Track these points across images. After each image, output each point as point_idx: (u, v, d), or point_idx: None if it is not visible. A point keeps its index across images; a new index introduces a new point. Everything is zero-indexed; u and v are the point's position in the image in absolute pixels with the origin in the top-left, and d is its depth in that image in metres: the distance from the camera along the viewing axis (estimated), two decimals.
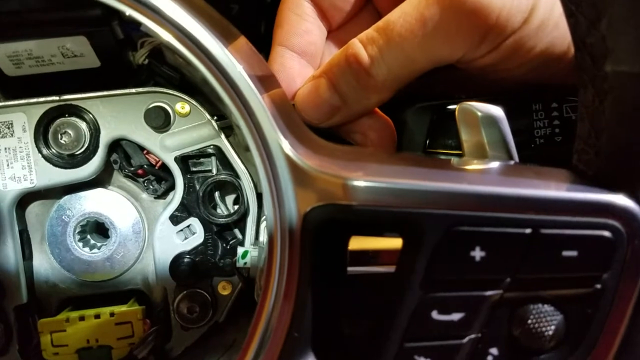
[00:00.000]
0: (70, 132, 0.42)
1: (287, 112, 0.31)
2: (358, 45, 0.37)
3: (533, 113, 0.44)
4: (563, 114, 0.43)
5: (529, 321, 0.27)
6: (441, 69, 0.40)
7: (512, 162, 0.33)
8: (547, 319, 0.27)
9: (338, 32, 0.43)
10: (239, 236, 0.43)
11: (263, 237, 0.42)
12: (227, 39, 0.29)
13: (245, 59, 0.29)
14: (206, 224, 0.42)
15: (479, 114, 0.34)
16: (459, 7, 0.34)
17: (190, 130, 0.41)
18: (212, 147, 0.42)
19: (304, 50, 0.40)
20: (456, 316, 0.27)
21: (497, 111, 0.34)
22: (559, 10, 0.35)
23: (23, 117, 0.42)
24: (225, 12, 0.58)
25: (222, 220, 0.42)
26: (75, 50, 0.40)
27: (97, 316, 0.42)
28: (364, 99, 0.38)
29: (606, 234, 0.26)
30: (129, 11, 0.29)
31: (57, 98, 0.41)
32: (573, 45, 0.30)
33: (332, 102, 0.38)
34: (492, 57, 0.36)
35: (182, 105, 0.41)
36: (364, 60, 0.36)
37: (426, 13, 0.34)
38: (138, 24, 0.29)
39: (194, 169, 0.43)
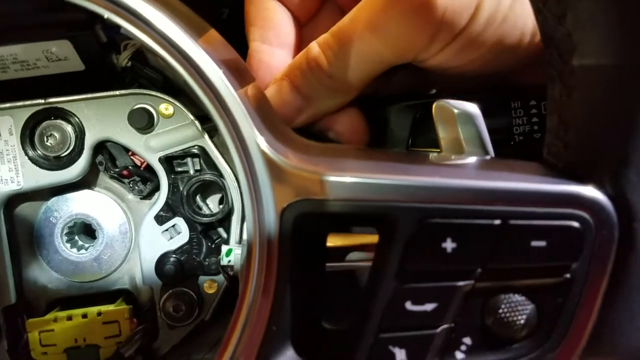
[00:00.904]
0: (56, 134, 0.42)
1: (263, 108, 0.32)
2: (317, 49, 0.38)
3: (512, 111, 0.44)
4: (541, 111, 0.44)
5: (501, 311, 0.28)
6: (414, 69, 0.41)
7: (487, 157, 0.34)
8: (519, 308, 0.28)
9: (307, 27, 0.44)
10: (224, 235, 0.44)
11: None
12: (200, 36, 0.30)
13: (220, 56, 0.30)
14: (191, 224, 0.43)
15: (455, 111, 0.34)
16: (405, 11, 0.34)
17: (174, 131, 0.42)
18: (196, 147, 0.42)
19: (280, 42, 0.41)
20: (429, 306, 0.28)
21: (472, 108, 0.35)
22: (507, 2, 0.35)
23: (10, 120, 0.42)
24: (216, 16, 0.59)
25: (206, 220, 0.42)
26: (59, 54, 0.40)
27: (85, 316, 0.43)
28: (327, 99, 0.39)
29: (574, 224, 0.27)
30: (106, 13, 0.29)
31: (42, 101, 0.42)
32: (542, 42, 0.30)
33: (295, 103, 0.39)
34: (445, 54, 0.36)
35: (166, 107, 0.42)
36: (323, 64, 0.37)
37: (374, 18, 0.35)
38: (119, 27, 0.30)
39: (179, 169, 0.43)
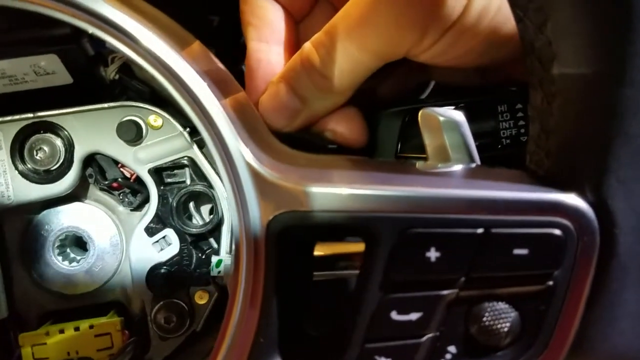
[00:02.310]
0: (45, 148, 0.43)
1: (248, 118, 0.32)
2: (310, 49, 0.38)
3: (499, 115, 0.44)
4: (527, 114, 0.44)
5: (484, 319, 0.28)
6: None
7: (473, 165, 0.34)
8: (502, 316, 0.28)
9: (303, 25, 0.44)
10: (215, 245, 0.44)
11: None
12: (184, 48, 0.30)
13: (204, 67, 0.30)
14: (181, 235, 0.43)
15: (441, 118, 0.35)
16: (395, 4, 0.34)
17: (162, 142, 0.42)
18: (185, 158, 0.43)
19: (277, 39, 0.41)
20: (414, 316, 0.28)
21: (458, 115, 0.35)
22: None
23: None
24: (206, 25, 0.59)
25: (195, 231, 0.43)
26: (47, 68, 0.41)
27: (77, 328, 0.43)
28: (323, 100, 0.39)
29: (556, 232, 0.27)
30: (90, 29, 0.29)
31: (31, 115, 0.42)
32: (523, 50, 0.31)
33: (293, 105, 0.39)
34: (438, 48, 0.36)
35: (155, 118, 0.42)
36: (316, 63, 0.37)
37: (365, 13, 0.35)
38: (104, 41, 0.30)
39: (168, 181, 0.43)
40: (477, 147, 0.36)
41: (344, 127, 0.41)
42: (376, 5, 0.35)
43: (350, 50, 0.36)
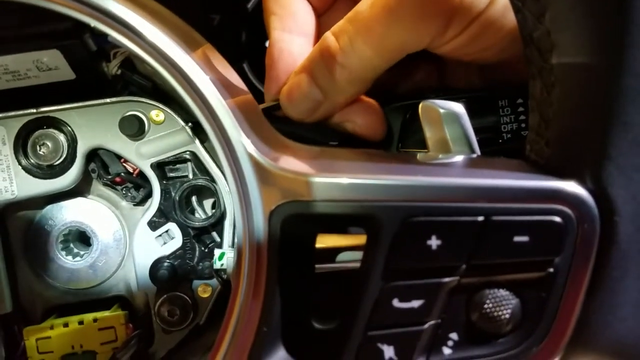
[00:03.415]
0: (48, 143, 0.43)
1: (250, 111, 0.32)
2: (330, 38, 0.38)
3: (499, 109, 0.45)
4: (528, 109, 0.44)
5: (486, 306, 0.28)
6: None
7: (473, 156, 0.34)
8: (503, 303, 0.28)
9: (325, 17, 0.44)
10: (217, 239, 0.44)
11: None
12: (189, 45, 0.30)
13: (206, 61, 0.30)
14: (184, 229, 0.43)
15: (441, 111, 0.35)
16: None
17: (165, 137, 0.42)
18: (187, 153, 0.43)
19: (300, 30, 0.41)
20: (416, 303, 0.28)
21: (458, 108, 0.35)
22: None
23: (2, 130, 0.43)
24: (207, 23, 0.60)
25: (198, 224, 0.43)
26: (50, 64, 0.41)
27: (81, 322, 0.43)
28: (342, 90, 0.39)
29: (556, 219, 0.28)
30: (92, 22, 0.30)
31: (34, 110, 0.42)
32: (522, 40, 0.31)
33: (314, 96, 0.39)
34: (461, 40, 0.36)
35: (157, 113, 0.42)
36: (335, 52, 0.37)
37: (391, 2, 0.35)
38: (107, 35, 0.31)
39: (171, 175, 0.44)
40: (479, 141, 0.36)
41: (363, 119, 0.41)
42: None
43: (372, 40, 0.36)
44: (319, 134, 0.44)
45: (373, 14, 0.36)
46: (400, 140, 0.47)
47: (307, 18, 0.42)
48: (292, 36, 0.41)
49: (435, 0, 0.34)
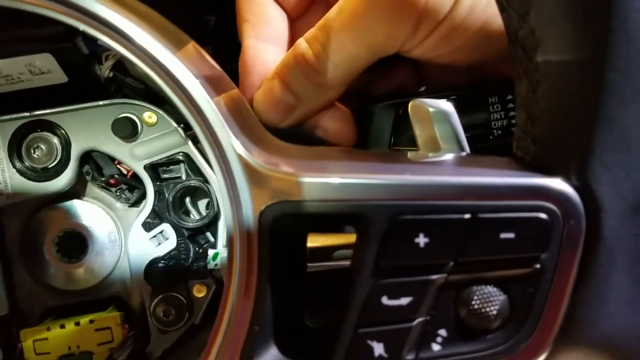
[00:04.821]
0: (42, 146, 0.43)
1: (241, 112, 0.33)
2: (304, 45, 0.38)
3: (490, 106, 0.45)
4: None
5: (473, 302, 0.28)
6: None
7: (463, 154, 0.35)
8: (491, 299, 0.28)
9: (299, 23, 0.44)
10: (211, 239, 0.44)
11: None
12: (177, 46, 0.31)
13: (194, 62, 0.31)
14: (178, 229, 0.44)
15: (430, 109, 0.35)
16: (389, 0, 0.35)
17: (158, 138, 0.43)
18: (180, 154, 0.43)
19: (274, 38, 0.42)
20: (405, 300, 0.29)
21: (447, 106, 0.36)
22: None
23: None
24: (202, 24, 0.60)
25: (192, 225, 0.43)
26: (42, 68, 0.41)
27: (78, 323, 0.44)
28: (317, 95, 0.39)
29: (542, 215, 0.28)
30: (81, 26, 0.30)
31: (27, 114, 0.43)
32: (507, 39, 0.31)
33: (287, 101, 0.39)
34: (430, 42, 0.37)
35: (150, 115, 0.42)
36: (310, 59, 0.37)
37: (360, 7, 0.35)
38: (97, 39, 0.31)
39: (164, 176, 0.44)
40: (470, 138, 0.37)
41: (334, 126, 0.42)
42: (368, 1, 0.35)
43: (344, 45, 0.37)
44: (309, 134, 0.44)
45: (343, 22, 0.36)
46: (393, 138, 0.47)
47: (280, 24, 0.42)
48: (266, 44, 0.41)
49: (402, 5, 0.35)
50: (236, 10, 0.43)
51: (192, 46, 0.33)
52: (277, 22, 0.42)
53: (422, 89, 0.50)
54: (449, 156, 0.34)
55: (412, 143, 0.48)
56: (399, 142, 0.47)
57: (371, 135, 0.47)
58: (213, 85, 0.32)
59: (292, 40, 0.43)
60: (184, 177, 0.44)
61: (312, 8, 0.44)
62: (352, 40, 0.36)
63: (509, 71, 0.41)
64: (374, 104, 0.47)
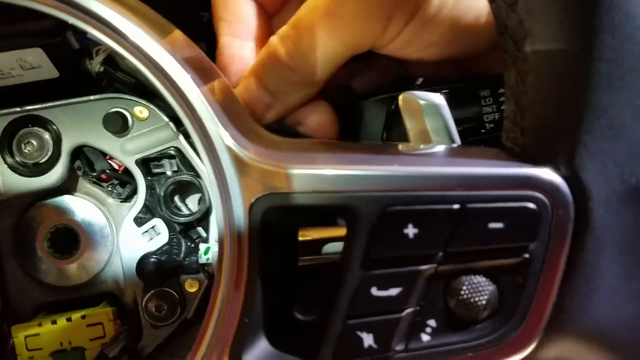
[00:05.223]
0: (33, 141, 0.43)
1: (230, 104, 0.33)
2: (276, 42, 0.38)
3: (481, 99, 0.45)
4: None
5: (463, 292, 0.28)
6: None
7: (454, 145, 0.35)
8: (480, 289, 0.28)
9: (276, 19, 0.44)
10: (203, 234, 0.44)
11: None
12: (162, 35, 0.31)
13: (183, 54, 0.31)
14: (170, 224, 0.44)
15: (421, 102, 0.35)
16: None
17: (149, 133, 0.43)
18: (172, 148, 0.43)
19: (250, 35, 0.41)
20: (394, 291, 0.29)
21: (438, 99, 0.36)
22: None
23: None
24: (197, 20, 0.60)
25: (184, 220, 0.43)
26: (33, 63, 0.41)
27: (69, 319, 0.44)
28: (293, 93, 0.39)
29: (530, 205, 0.28)
30: (70, 19, 0.30)
31: (18, 109, 0.43)
32: (497, 29, 0.31)
33: (264, 99, 0.39)
34: (403, 38, 0.37)
35: (141, 110, 0.42)
36: (283, 57, 0.37)
37: (330, 5, 0.35)
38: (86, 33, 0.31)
39: (155, 171, 0.44)
40: (462, 132, 0.37)
41: (314, 121, 0.41)
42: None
43: (315, 43, 0.37)
44: (290, 130, 0.44)
45: (313, 19, 0.36)
46: (385, 133, 0.47)
47: (256, 21, 0.42)
48: (242, 41, 0.41)
49: (372, 2, 0.35)
50: (212, 9, 0.43)
51: (179, 36, 0.33)
52: (252, 18, 0.42)
53: (418, 82, 0.51)
54: (439, 148, 0.34)
55: (405, 138, 0.48)
56: (391, 136, 0.47)
57: (363, 130, 0.47)
58: (202, 76, 0.32)
59: (269, 36, 0.43)
60: (175, 172, 0.44)
61: (288, 3, 0.44)
62: (323, 37, 0.36)
63: (494, 64, 0.42)
64: (363, 98, 0.47)
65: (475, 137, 0.44)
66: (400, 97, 0.37)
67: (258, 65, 0.39)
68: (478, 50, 0.39)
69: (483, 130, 0.45)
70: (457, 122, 0.36)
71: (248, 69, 0.40)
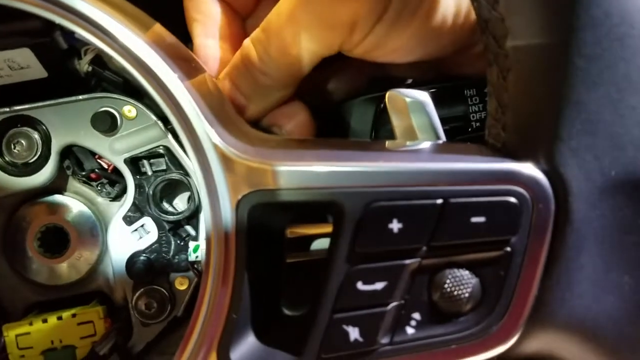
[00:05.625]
0: (22, 141, 0.43)
1: (217, 102, 0.33)
2: (249, 46, 0.38)
3: (468, 99, 0.45)
4: None
5: (446, 286, 0.29)
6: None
7: (439, 142, 0.35)
8: (463, 282, 0.29)
9: (250, 20, 0.44)
10: (193, 232, 0.45)
11: None
12: (148, 34, 0.31)
13: (168, 51, 0.31)
14: (159, 223, 0.44)
15: (407, 99, 0.36)
16: (322, 2, 0.35)
17: (138, 132, 0.43)
18: (161, 147, 0.43)
19: (224, 35, 0.42)
20: (379, 285, 0.29)
21: (423, 97, 0.36)
22: None
23: None
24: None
25: (173, 218, 0.43)
26: (21, 63, 0.41)
27: (60, 318, 0.44)
28: (266, 95, 0.39)
29: (511, 199, 0.28)
30: (57, 19, 0.30)
31: (7, 109, 0.43)
32: (478, 27, 0.32)
33: (238, 101, 0.39)
34: (371, 41, 0.37)
35: (129, 109, 0.43)
36: (254, 60, 0.38)
37: (296, 11, 0.36)
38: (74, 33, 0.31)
39: (144, 170, 0.44)
40: (449, 131, 0.37)
41: (289, 122, 0.41)
42: (303, 2, 0.35)
43: (283, 47, 0.37)
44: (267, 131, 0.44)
45: (281, 24, 0.36)
46: (374, 132, 0.48)
47: (229, 22, 0.42)
48: (217, 42, 0.41)
49: (335, 8, 0.35)
50: (184, 11, 0.43)
51: (164, 33, 0.34)
52: (225, 19, 0.42)
53: (409, 82, 0.51)
54: (424, 144, 0.34)
55: (393, 136, 0.49)
56: (379, 135, 0.48)
57: (350, 131, 0.48)
58: (190, 76, 0.32)
59: (243, 37, 0.43)
60: (164, 171, 0.44)
61: (261, 5, 0.44)
62: (290, 42, 0.36)
63: (468, 64, 0.42)
64: (339, 99, 0.47)
65: (462, 135, 0.45)
66: (387, 95, 0.37)
67: (232, 68, 0.39)
68: (449, 51, 0.40)
69: (470, 129, 0.46)
70: (444, 121, 0.37)
71: (223, 71, 0.40)
